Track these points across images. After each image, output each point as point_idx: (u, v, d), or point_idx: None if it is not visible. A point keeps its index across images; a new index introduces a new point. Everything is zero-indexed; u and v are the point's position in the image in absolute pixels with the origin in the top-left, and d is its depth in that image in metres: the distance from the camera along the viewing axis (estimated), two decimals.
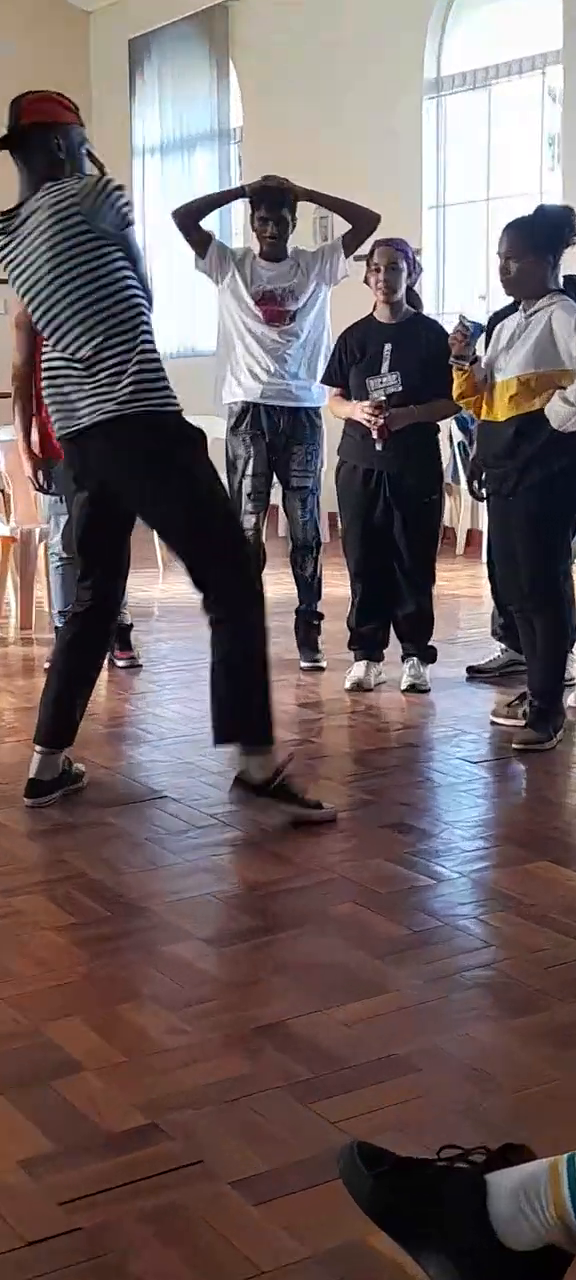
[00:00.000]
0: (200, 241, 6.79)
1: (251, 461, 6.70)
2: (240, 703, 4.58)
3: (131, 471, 4.56)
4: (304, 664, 6.81)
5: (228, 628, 4.55)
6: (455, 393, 5.59)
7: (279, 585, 7.31)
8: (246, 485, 6.73)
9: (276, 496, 7.13)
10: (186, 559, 4.66)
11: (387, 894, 3.95)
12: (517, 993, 3.30)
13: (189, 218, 6.84)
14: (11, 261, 4.61)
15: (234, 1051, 3.01)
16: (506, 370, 5.31)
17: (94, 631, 4.89)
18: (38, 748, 4.83)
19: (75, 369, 4.51)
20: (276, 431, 6.72)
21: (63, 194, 4.47)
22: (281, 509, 7.81)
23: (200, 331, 12.67)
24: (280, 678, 5.85)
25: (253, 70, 12.57)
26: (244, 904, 3.95)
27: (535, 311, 5.26)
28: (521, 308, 5.37)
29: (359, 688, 6.32)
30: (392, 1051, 2.99)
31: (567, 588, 5.56)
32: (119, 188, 4.56)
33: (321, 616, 6.94)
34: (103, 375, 4.45)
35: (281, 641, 6.90)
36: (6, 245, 4.61)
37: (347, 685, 6.32)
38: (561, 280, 5.39)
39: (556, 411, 5.14)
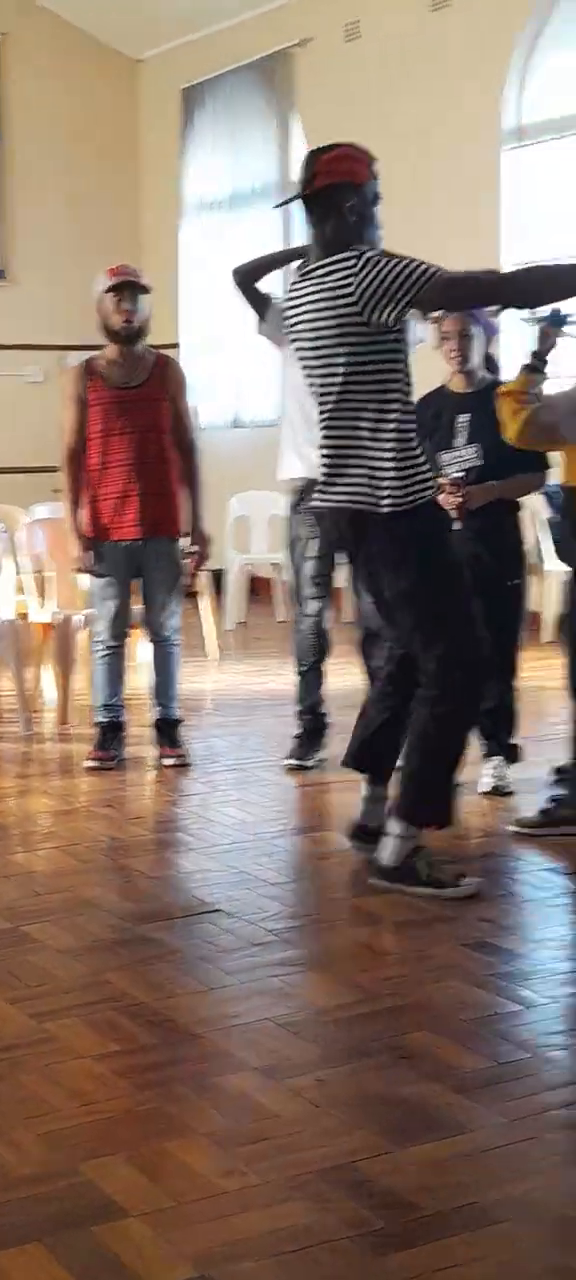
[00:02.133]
0: (259, 303, 6.81)
1: (313, 542, 6.67)
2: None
3: None
4: None
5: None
6: (509, 411, 5.45)
7: (345, 676, 7.26)
8: (308, 568, 6.69)
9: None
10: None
11: (467, 1021, 3.87)
12: None
13: (248, 278, 6.86)
14: (291, 323, 5.05)
15: (296, 1196, 2.93)
16: None
17: None
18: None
19: None
20: None
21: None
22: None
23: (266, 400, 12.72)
24: (345, 777, 5.80)
25: (319, 120, 12.64)
26: (306, 1031, 3.86)
27: None
28: None
29: None
30: (474, 1199, 2.90)
31: None
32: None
33: None
34: None
35: (346, 737, 6.86)
36: (288, 305, 5.07)
37: None
38: None
39: None
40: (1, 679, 8.08)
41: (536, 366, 5.27)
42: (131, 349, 6.79)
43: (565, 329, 5.41)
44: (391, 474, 4.81)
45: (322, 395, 4.95)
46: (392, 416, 4.83)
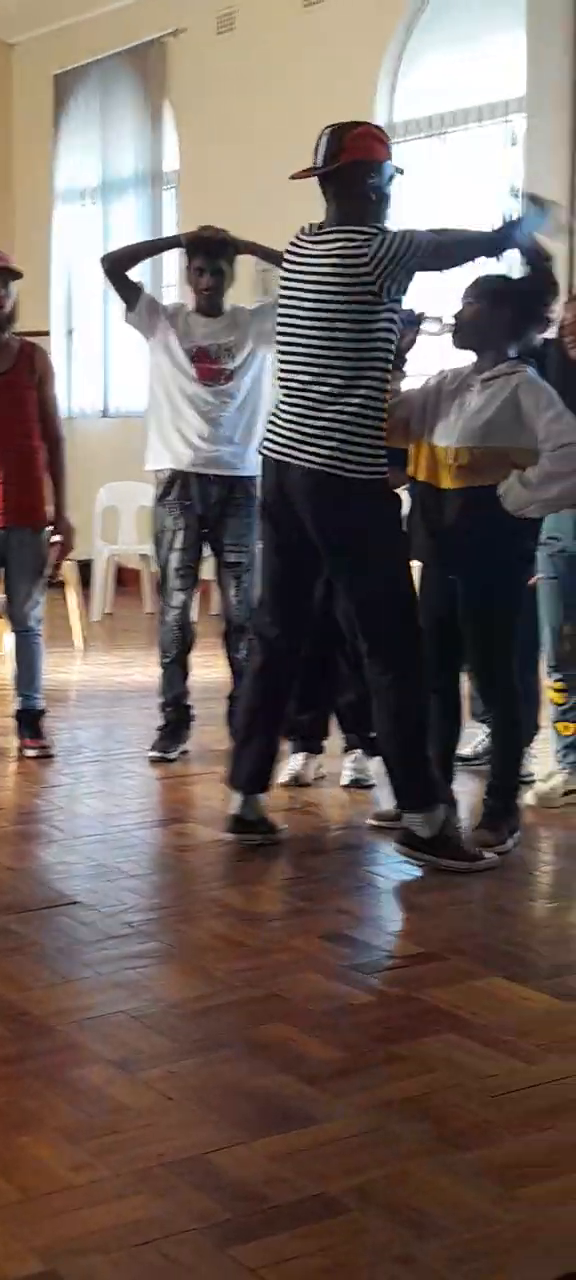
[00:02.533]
0: (129, 291, 6.79)
1: (179, 534, 6.68)
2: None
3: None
4: None
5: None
6: None
7: (210, 669, 7.29)
8: (173, 560, 6.70)
9: (210, 570, 7.09)
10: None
11: (321, 1013, 3.91)
12: (461, 1123, 3.26)
13: (118, 265, 6.85)
14: (287, 281, 5.22)
15: (144, 1189, 2.94)
16: (453, 436, 5.25)
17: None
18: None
19: None
20: (208, 503, 6.69)
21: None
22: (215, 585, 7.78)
23: (133, 391, 12.69)
24: (209, 770, 5.82)
25: (190, 111, 12.66)
26: (161, 1024, 3.86)
27: (492, 379, 5.22)
28: (474, 368, 5.33)
29: (296, 782, 6.29)
30: (322, 1190, 2.93)
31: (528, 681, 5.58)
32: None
33: None
34: None
35: (210, 729, 6.89)
36: (288, 261, 5.24)
37: (284, 779, 6.26)
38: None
39: (515, 495, 5.12)
40: None
41: (395, 364, 5.32)
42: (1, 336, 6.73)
43: (422, 328, 5.49)
44: (368, 443, 5.03)
45: (305, 357, 5.11)
46: (376, 388, 5.04)
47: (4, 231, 13.31)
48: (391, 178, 5.20)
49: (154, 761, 6.70)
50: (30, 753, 6.82)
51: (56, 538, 6.85)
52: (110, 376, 13.25)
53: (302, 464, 5.07)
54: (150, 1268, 2.65)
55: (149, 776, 6.59)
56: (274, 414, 5.29)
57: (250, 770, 5.40)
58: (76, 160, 13.56)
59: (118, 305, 7.02)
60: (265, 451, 5.27)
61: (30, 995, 4.02)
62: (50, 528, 6.84)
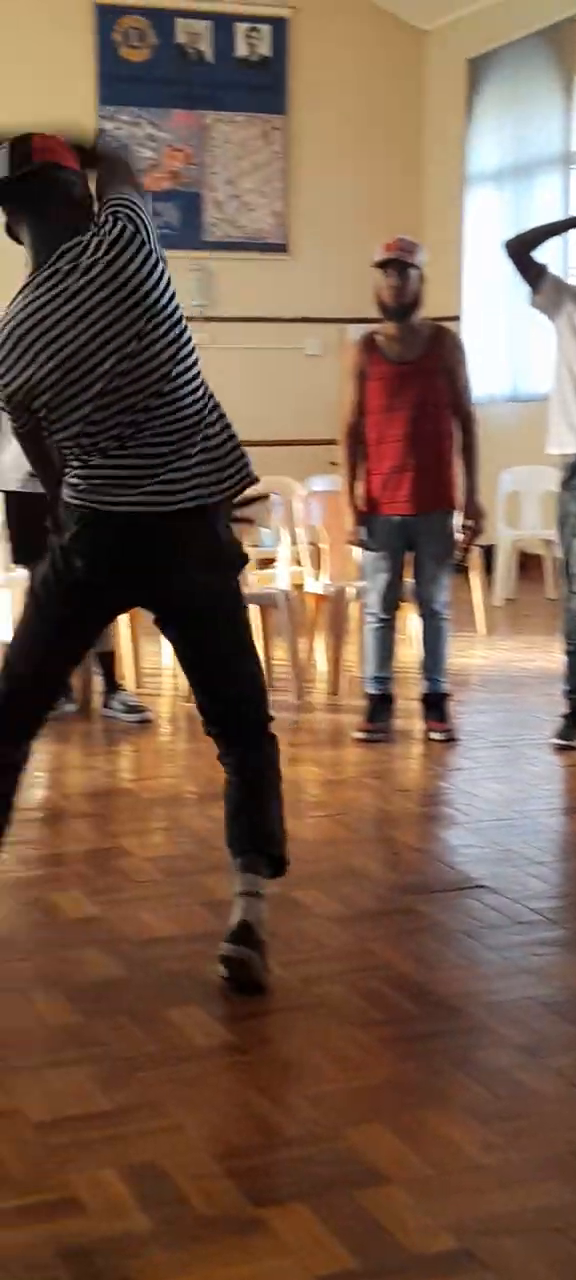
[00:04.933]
0: (534, 275, 6.76)
1: None
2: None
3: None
4: None
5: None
6: None
7: None
8: None
9: None
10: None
11: None
12: None
13: (522, 248, 6.82)
14: None
15: (556, 1175, 2.95)
16: None
17: None
18: None
19: None
20: None
21: None
22: None
23: (537, 374, 12.62)
24: None
25: None
26: (570, 1011, 3.85)
27: None
28: None
29: None
30: None
31: None
32: None
33: None
34: None
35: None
36: None
37: None
38: None
39: None
40: (275, 648, 8.23)
41: None
42: (406, 323, 6.82)
43: None
44: None
45: None
46: None
47: (413, 216, 13.42)
48: None
49: (557, 748, 6.66)
50: (435, 735, 6.90)
51: (467, 522, 6.89)
52: (515, 359, 13.19)
53: None
54: (566, 1255, 2.67)
55: (552, 763, 6.56)
56: None
57: None
58: (488, 143, 13.54)
59: (522, 288, 6.99)
60: None
61: (437, 976, 4.09)
62: (460, 512, 6.89)
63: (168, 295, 3.88)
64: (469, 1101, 3.31)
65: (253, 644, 4.25)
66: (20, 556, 7.45)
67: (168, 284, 3.90)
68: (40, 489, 4.39)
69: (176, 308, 3.91)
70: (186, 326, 3.93)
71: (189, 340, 3.94)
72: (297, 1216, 2.81)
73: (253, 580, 7.98)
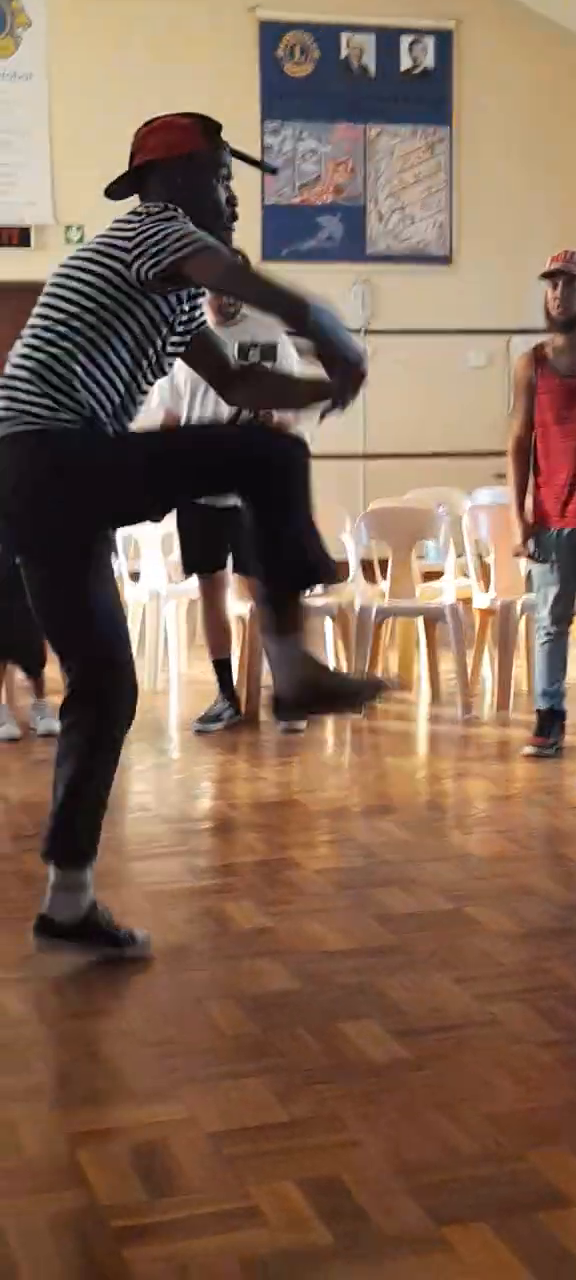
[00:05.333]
0: None
1: None
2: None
3: None
4: None
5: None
6: None
7: None
8: None
9: None
10: None
11: None
12: None
13: None
14: None
15: None
16: None
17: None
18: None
19: None
20: None
21: None
22: None
23: None
24: None
25: None
26: None
27: None
28: None
29: None
30: None
31: None
32: None
33: None
34: None
35: None
36: None
37: None
38: None
39: None
40: (442, 661, 8.19)
41: None
42: (574, 335, 6.74)
43: None
44: None
45: None
46: None
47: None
48: None
49: None
50: None
51: None
52: None
53: None
54: None
55: None
56: None
57: None
58: None
59: None
60: None
61: None
62: None
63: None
64: None
65: None
66: (191, 566, 7.54)
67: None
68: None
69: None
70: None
71: None
72: (480, 1237, 2.75)
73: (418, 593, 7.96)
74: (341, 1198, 2.93)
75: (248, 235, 11.77)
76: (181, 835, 5.67)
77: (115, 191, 4.12)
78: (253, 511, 3.92)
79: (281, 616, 3.95)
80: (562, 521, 6.75)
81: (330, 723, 7.70)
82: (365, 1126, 3.24)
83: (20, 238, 12.61)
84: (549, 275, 6.71)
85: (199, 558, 7.56)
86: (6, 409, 3.93)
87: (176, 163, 4.01)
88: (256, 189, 12.76)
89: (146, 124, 4.09)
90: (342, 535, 8.56)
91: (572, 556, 6.77)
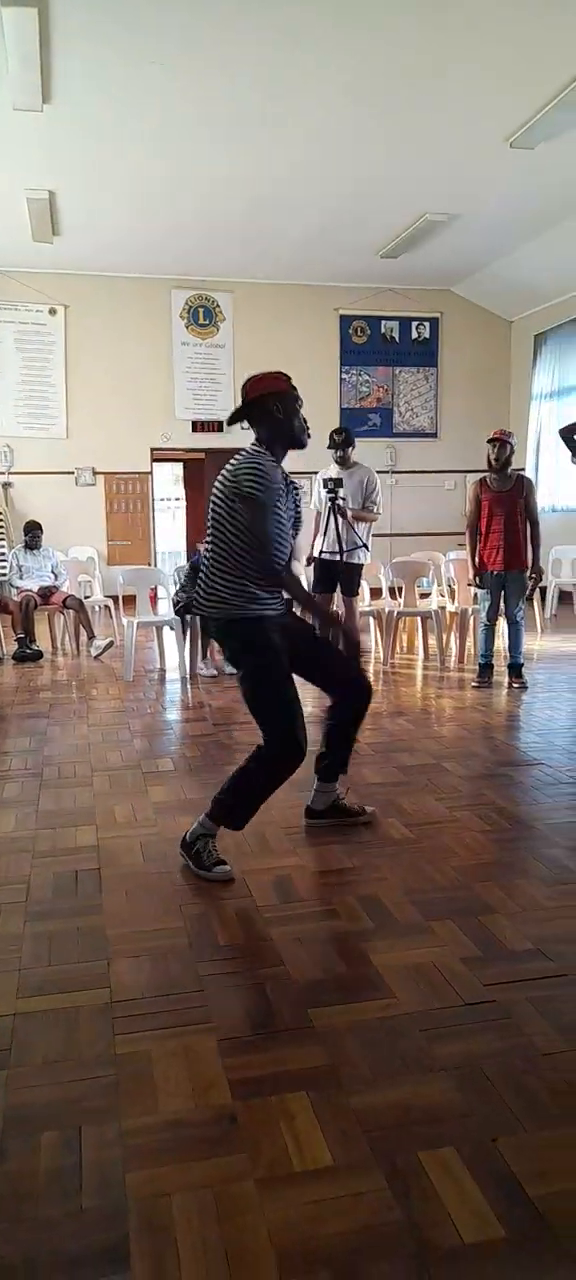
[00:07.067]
0: (574, 448, 6.43)
1: None
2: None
3: None
4: None
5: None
6: None
7: None
8: None
9: None
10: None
11: None
12: None
13: (568, 432, 6.51)
14: None
15: None
16: None
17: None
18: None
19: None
20: None
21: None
22: None
23: (567, 494, 12.02)
24: None
25: None
26: None
27: None
28: None
29: None
30: None
31: None
32: None
33: None
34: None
35: None
36: None
37: None
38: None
39: None
40: (430, 639, 7.96)
41: None
42: (504, 473, 6.51)
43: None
44: None
45: None
46: None
47: (504, 419, 13.00)
48: None
49: None
50: (515, 686, 6.57)
51: (532, 574, 6.55)
52: (557, 489, 12.61)
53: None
54: None
55: None
56: None
57: None
58: (542, 376, 12.98)
59: (566, 453, 6.65)
60: None
61: None
62: (528, 569, 6.58)
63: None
64: None
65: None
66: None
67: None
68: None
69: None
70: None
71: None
72: (447, 927, 2.70)
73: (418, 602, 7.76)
74: (376, 904, 2.92)
75: (333, 424, 11.72)
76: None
77: (233, 419, 3.31)
78: (345, 715, 3.44)
79: (338, 769, 3.59)
80: (493, 566, 6.62)
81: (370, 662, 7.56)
82: (390, 869, 3.21)
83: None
84: (491, 441, 6.60)
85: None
86: None
87: (273, 397, 3.25)
88: (336, 399, 12.64)
89: (249, 377, 3.32)
90: (380, 574, 8.47)
91: (498, 585, 6.65)
